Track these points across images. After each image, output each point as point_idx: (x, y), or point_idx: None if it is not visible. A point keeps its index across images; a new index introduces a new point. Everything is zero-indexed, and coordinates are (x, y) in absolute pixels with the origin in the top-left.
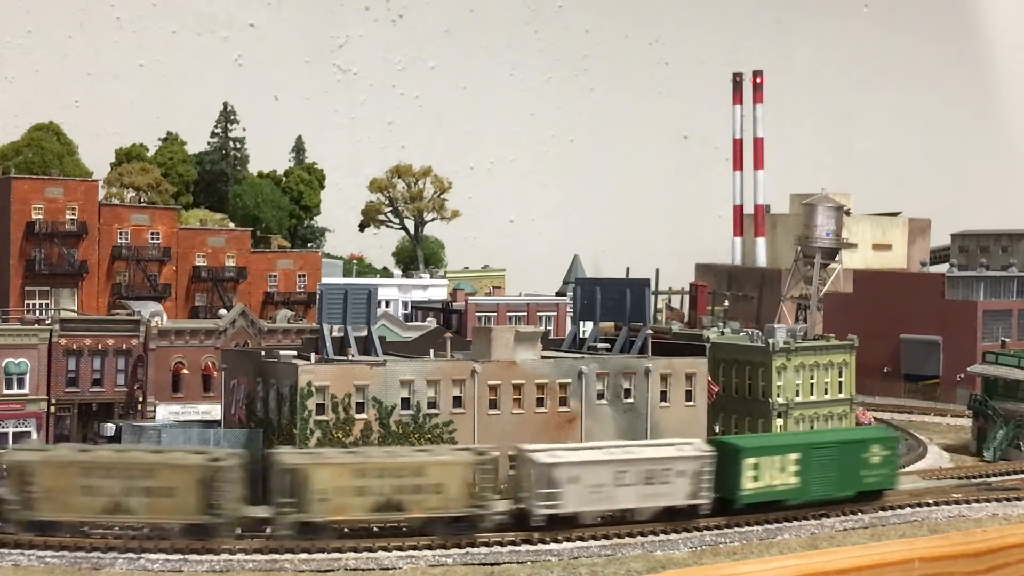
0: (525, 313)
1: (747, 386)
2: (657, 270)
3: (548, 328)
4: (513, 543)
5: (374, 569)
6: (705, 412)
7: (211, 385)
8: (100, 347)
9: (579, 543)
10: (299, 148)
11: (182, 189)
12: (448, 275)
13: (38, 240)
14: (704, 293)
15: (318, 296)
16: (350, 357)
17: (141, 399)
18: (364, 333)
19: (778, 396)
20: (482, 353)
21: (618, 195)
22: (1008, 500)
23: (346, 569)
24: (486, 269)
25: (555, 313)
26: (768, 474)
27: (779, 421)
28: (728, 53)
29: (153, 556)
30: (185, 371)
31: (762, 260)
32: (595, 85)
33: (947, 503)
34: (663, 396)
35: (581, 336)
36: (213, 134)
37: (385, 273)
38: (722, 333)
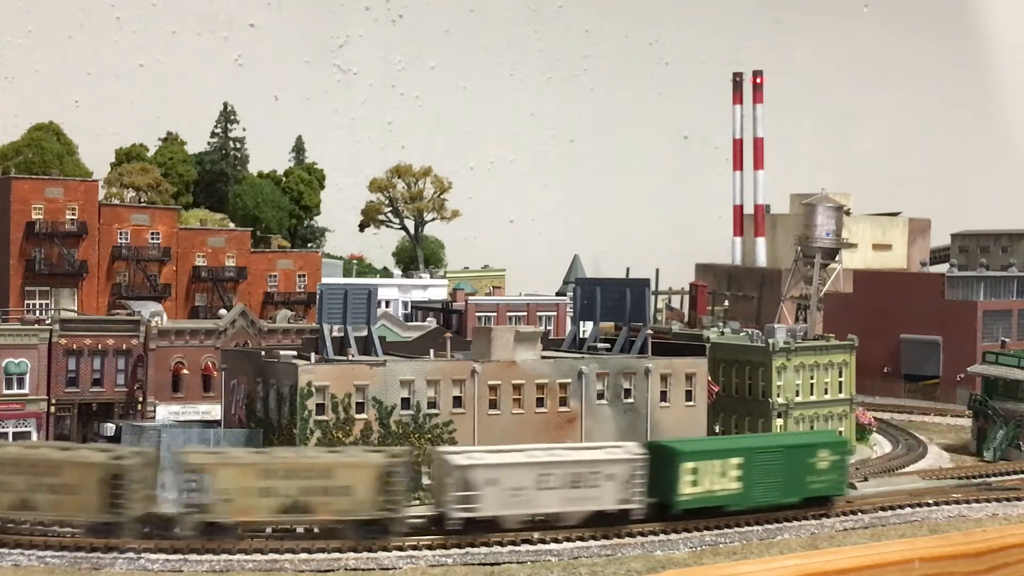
0: (525, 313)
1: (747, 386)
2: (657, 270)
3: (548, 328)
4: (513, 543)
5: (374, 569)
6: (705, 412)
7: (211, 385)
8: (100, 347)
9: (579, 543)
10: (299, 148)
11: (182, 189)
12: (448, 275)
13: (38, 240)
14: (704, 293)
15: (318, 296)
16: (350, 357)
17: (141, 399)
18: (364, 333)
19: (778, 396)
20: (482, 353)
21: (618, 195)
22: (1008, 500)
23: (346, 569)
24: (486, 269)
25: (555, 313)
26: (708, 479)
27: (779, 421)
28: (728, 53)
29: (153, 556)
30: (185, 371)
31: (762, 260)
32: (595, 85)
33: (947, 503)
34: (663, 396)
35: (581, 336)
36: (213, 134)
37: (385, 273)
38: (722, 333)
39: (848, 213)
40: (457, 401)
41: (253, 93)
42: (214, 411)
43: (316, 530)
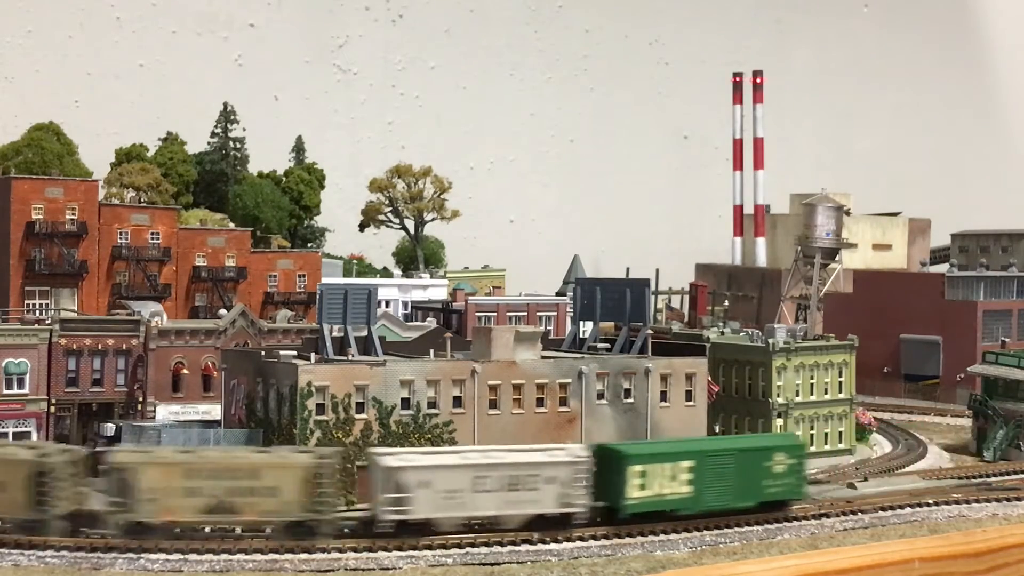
0: (525, 313)
1: (747, 386)
2: (657, 270)
3: (548, 328)
4: (513, 543)
5: (374, 569)
6: (705, 412)
7: (211, 385)
8: (100, 347)
9: (579, 543)
10: (299, 148)
11: (182, 189)
12: (448, 275)
13: (38, 240)
14: (704, 293)
15: (318, 296)
16: (350, 357)
17: (141, 399)
18: (364, 333)
19: (778, 396)
20: (482, 353)
21: (618, 195)
22: (1008, 500)
23: (346, 569)
24: (486, 269)
25: (555, 313)
26: (657, 482)
27: (779, 421)
28: (728, 53)
29: (153, 556)
30: (185, 371)
31: (762, 260)
32: (595, 85)
33: (947, 503)
34: (663, 396)
35: (581, 336)
36: (213, 134)
37: (385, 273)
38: (722, 333)
39: (848, 213)
40: (457, 401)
41: (253, 93)
42: (214, 411)
43: (240, 530)
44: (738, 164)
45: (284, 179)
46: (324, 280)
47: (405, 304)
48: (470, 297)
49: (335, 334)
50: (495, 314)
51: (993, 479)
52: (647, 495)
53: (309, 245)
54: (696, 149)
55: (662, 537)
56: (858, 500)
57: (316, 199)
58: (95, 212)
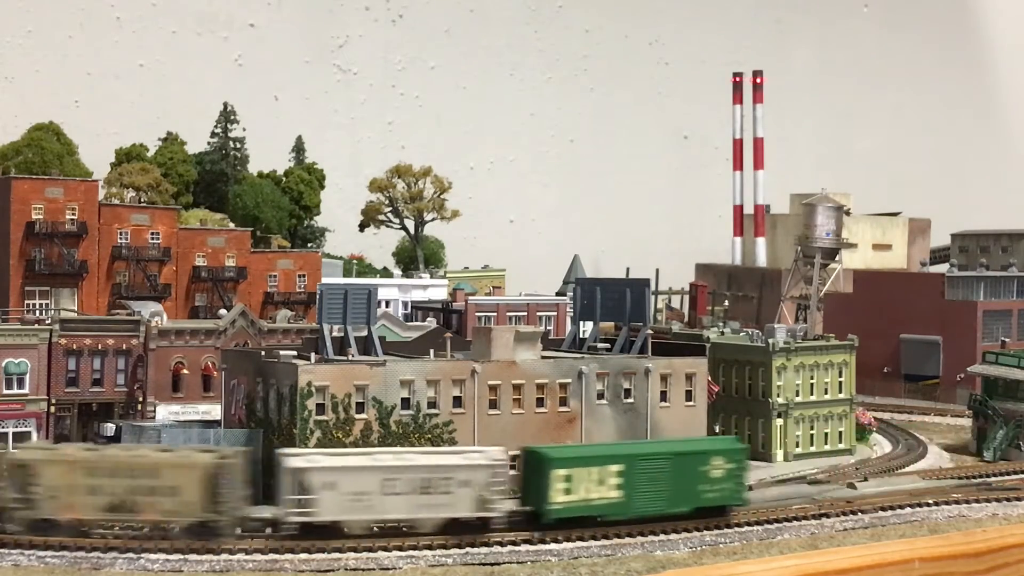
0: (525, 313)
1: (747, 386)
2: (657, 270)
3: (548, 328)
4: (513, 543)
5: (374, 569)
6: (705, 412)
7: (211, 385)
8: (100, 347)
9: (579, 543)
10: (299, 148)
11: (182, 189)
12: (448, 275)
13: (38, 240)
14: (704, 293)
15: (318, 296)
16: (350, 357)
17: (141, 399)
18: (364, 333)
19: (778, 396)
20: (482, 353)
21: (618, 195)
22: (1008, 500)
23: (346, 569)
24: (486, 269)
25: (555, 313)
26: (584, 487)
27: (779, 421)
28: (728, 53)
29: (153, 556)
30: (185, 371)
31: (762, 260)
32: (595, 85)
33: (947, 503)
34: (663, 396)
35: (581, 336)
36: (213, 134)
37: (385, 273)
38: (722, 333)
39: (848, 213)
40: (457, 401)
41: (253, 93)
42: (214, 411)
43: (145, 529)
44: (738, 164)
45: (284, 179)
46: (324, 280)
47: (405, 304)
48: (470, 297)
49: (335, 334)
50: (495, 314)
51: (993, 479)
52: (572, 500)
53: (309, 245)
54: (696, 149)
55: (662, 537)
56: (858, 500)
57: (316, 199)
58: (95, 212)
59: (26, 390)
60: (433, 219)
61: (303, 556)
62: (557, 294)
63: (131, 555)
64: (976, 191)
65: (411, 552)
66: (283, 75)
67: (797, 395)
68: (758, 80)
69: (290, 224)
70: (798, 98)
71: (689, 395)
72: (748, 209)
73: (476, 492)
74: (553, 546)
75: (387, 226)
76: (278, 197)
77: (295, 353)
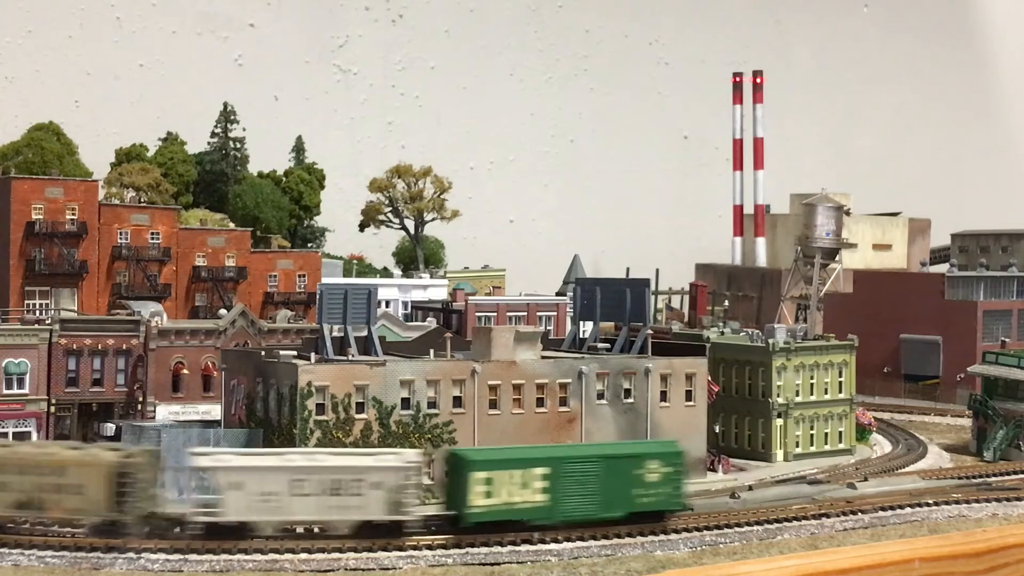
0: (525, 313)
1: (747, 386)
2: (657, 270)
3: (548, 328)
4: (513, 543)
5: (374, 569)
6: (705, 412)
7: (211, 385)
8: (100, 347)
9: (579, 543)
10: (299, 148)
11: (182, 189)
12: (448, 275)
13: (38, 240)
14: (704, 293)
15: (318, 296)
16: (350, 357)
17: (141, 399)
18: (364, 333)
19: (778, 396)
20: (482, 353)
21: (618, 195)
22: (1008, 500)
23: (346, 569)
24: (486, 269)
25: (555, 313)
26: (506, 490)
27: (779, 421)
28: (728, 53)
29: (153, 556)
30: (185, 371)
31: (762, 260)
32: (595, 85)
33: (947, 503)
34: (663, 396)
35: (581, 336)
36: (213, 134)
37: (385, 273)
38: (722, 333)
39: (848, 213)
40: (457, 401)
41: (253, 93)
42: (214, 411)
43: (55, 527)
44: (738, 164)
45: (284, 179)
46: (324, 280)
47: (405, 304)
48: (470, 297)
49: (335, 334)
50: (495, 314)
51: (993, 479)
52: (494, 503)
53: (309, 245)
54: (696, 149)
55: (662, 537)
56: (858, 500)
57: (316, 199)
58: (95, 212)
59: (26, 390)
60: (433, 219)
61: (303, 556)
62: (557, 294)
63: (131, 555)
64: (976, 191)
65: (411, 552)
66: (283, 75)
67: (797, 395)
68: (758, 80)
69: (290, 224)
70: (798, 98)
71: (689, 395)
72: (748, 209)
73: (388, 494)
74: (553, 546)
75: (387, 226)
76: (278, 197)
77: (295, 353)
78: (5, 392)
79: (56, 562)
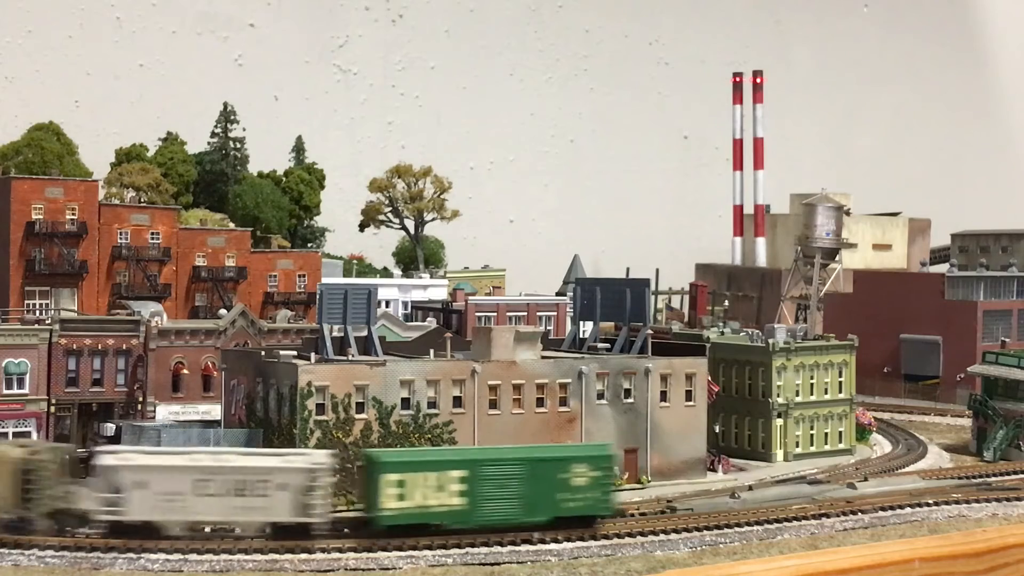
0: (525, 313)
1: (747, 386)
2: (657, 270)
3: (548, 328)
4: (513, 543)
5: (374, 569)
6: (705, 412)
7: (211, 385)
8: (100, 347)
9: (579, 543)
10: (299, 148)
11: (182, 189)
12: (448, 275)
13: (38, 240)
14: (704, 293)
15: (318, 296)
16: (350, 357)
17: (141, 399)
18: (364, 333)
19: (778, 396)
20: (482, 353)
21: (618, 195)
22: (1008, 500)
23: (346, 569)
24: (486, 269)
25: (555, 313)
26: (420, 493)
27: (779, 421)
28: (728, 53)
29: (153, 556)
30: (185, 371)
31: (762, 260)
32: (595, 85)
33: (947, 503)
34: (663, 396)
35: (581, 336)
36: (213, 134)
37: (385, 273)
38: (722, 333)
39: (848, 213)
40: (457, 401)
41: (253, 93)
42: (214, 411)
43: None
44: (738, 164)
45: (284, 179)
46: (324, 280)
47: (405, 304)
48: (470, 297)
49: (335, 334)
50: (495, 314)
51: (993, 479)
52: (407, 506)
53: (309, 245)
54: (696, 149)
55: (662, 537)
56: (858, 500)
57: (316, 199)
58: (95, 212)
59: (26, 390)
60: (433, 219)
61: (303, 556)
62: (557, 294)
63: (131, 555)
64: (976, 191)
65: (411, 552)
66: (283, 75)
67: (797, 395)
68: (758, 80)
69: (290, 224)
70: (798, 98)
71: (689, 395)
72: (748, 209)
73: (295, 496)
74: (553, 546)
75: (387, 226)
76: (278, 197)
77: (295, 353)
78: (5, 392)
79: (56, 562)
